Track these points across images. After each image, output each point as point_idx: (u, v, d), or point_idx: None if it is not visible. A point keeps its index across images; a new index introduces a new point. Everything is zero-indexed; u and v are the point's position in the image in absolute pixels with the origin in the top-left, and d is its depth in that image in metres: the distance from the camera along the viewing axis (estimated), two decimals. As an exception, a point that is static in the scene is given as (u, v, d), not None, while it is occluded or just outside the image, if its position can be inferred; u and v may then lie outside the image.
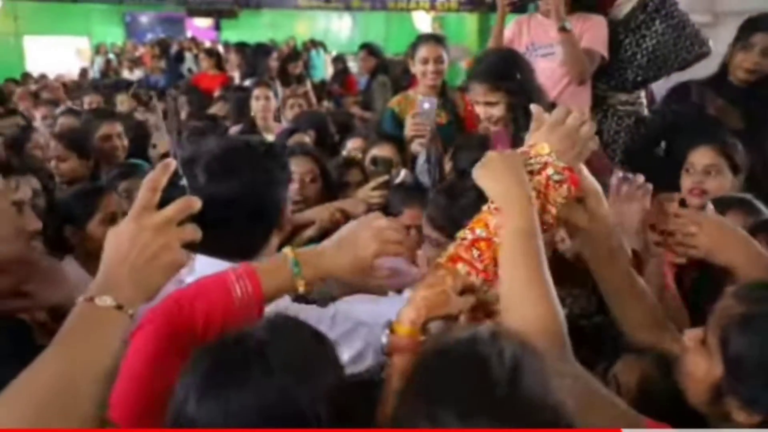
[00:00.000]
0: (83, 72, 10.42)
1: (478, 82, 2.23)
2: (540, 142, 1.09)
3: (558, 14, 2.68)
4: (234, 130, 3.51)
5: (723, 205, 1.58)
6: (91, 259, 1.76)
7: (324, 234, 1.82)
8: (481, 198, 1.08)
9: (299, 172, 2.17)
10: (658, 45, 2.86)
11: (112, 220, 1.89)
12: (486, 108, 2.22)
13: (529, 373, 0.64)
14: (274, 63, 5.25)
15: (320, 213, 2.12)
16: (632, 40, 2.88)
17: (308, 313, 1.11)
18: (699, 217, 1.21)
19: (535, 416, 0.61)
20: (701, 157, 2.08)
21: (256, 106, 3.60)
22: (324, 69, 10.39)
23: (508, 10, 3.05)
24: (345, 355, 1.05)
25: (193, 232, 0.91)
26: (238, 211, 1.17)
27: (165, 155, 2.97)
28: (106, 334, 0.83)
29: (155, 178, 0.91)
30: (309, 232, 2.07)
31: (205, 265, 1.14)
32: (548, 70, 2.83)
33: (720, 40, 2.89)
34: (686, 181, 2.11)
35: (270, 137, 3.22)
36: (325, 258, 1.06)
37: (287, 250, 1.06)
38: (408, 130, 2.63)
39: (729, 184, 2.05)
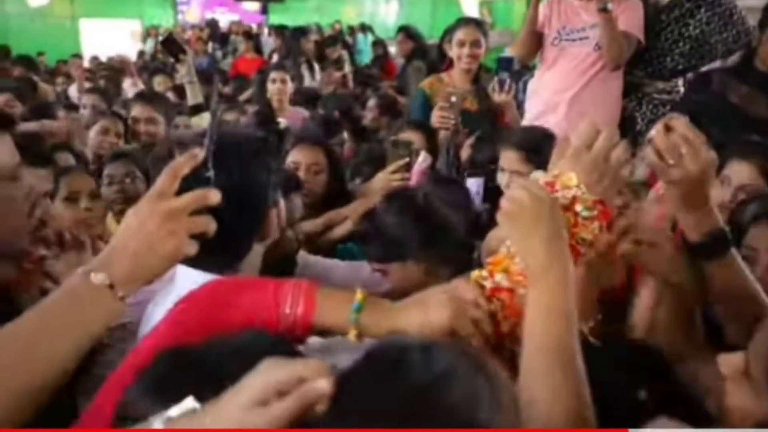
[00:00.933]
0: (140, 55, 10.62)
1: (510, 150, 2.11)
2: (566, 172, 0.93)
3: None
4: (251, 111, 3.53)
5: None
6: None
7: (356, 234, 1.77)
8: None
9: (304, 162, 2.12)
10: (702, 34, 2.75)
11: (74, 200, 1.91)
12: (511, 176, 2.10)
13: (455, 386, 0.59)
14: (309, 45, 5.22)
15: (356, 210, 1.99)
16: (675, 27, 2.78)
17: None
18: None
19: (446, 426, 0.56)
20: (740, 173, 1.95)
21: (272, 89, 3.63)
22: (370, 53, 10.35)
23: None
24: None
25: (206, 224, 0.88)
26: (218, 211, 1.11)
27: (196, 107, 3.00)
28: (88, 311, 0.83)
29: (178, 165, 0.89)
30: (340, 230, 1.98)
31: (183, 276, 1.09)
32: (581, 54, 2.74)
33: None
34: (718, 193, 1.99)
35: (283, 120, 3.24)
36: (391, 313, 0.92)
37: (360, 290, 0.93)
38: (434, 121, 2.63)
39: None
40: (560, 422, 0.77)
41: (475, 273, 0.96)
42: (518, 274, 0.92)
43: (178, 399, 0.65)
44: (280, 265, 1.30)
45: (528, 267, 0.89)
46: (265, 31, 10.31)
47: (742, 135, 2.08)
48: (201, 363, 0.75)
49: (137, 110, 2.97)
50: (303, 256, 1.67)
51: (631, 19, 2.67)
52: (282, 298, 0.91)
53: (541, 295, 0.86)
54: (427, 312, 0.91)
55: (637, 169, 2.92)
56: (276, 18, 13.38)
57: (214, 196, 0.89)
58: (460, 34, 2.83)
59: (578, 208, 0.92)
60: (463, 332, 0.90)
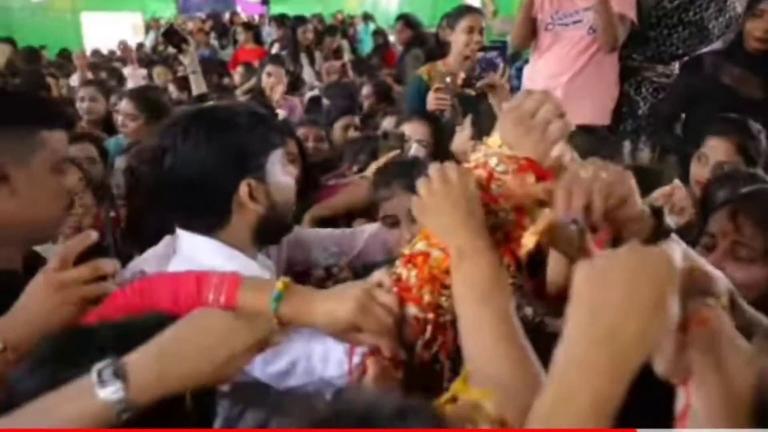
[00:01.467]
0: (139, 47, 10.64)
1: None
2: (494, 136, 0.96)
3: None
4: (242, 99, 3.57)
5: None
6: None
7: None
8: None
9: None
10: (701, 19, 2.77)
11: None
12: None
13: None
14: (308, 34, 5.20)
15: (342, 200, 2.03)
16: (675, 13, 2.79)
17: None
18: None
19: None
20: (717, 150, 1.95)
21: (266, 81, 3.65)
22: (371, 43, 10.31)
23: None
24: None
25: (99, 289, 0.95)
26: (185, 183, 1.16)
27: (201, 97, 3.00)
28: None
29: (71, 248, 0.96)
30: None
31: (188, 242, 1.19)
32: (575, 38, 2.75)
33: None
34: (696, 171, 2.00)
35: (281, 111, 3.27)
36: (308, 302, 0.94)
37: (283, 279, 0.96)
38: (429, 103, 2.62)
39: None
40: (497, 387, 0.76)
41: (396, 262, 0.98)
42: (437, 238, 0.94)
43: (62, 373, 0.69)
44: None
45: (445, 241, 0.91)
46: (266, 21, 10.28)
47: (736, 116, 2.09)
48: (87, 338, 0.77)
49: (121, 105, 2.98)
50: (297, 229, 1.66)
51: (625, 1, 2.67)
52: (205, 288, 0.94)
53: (464, 277, 0.88)
54: (338, 303, 0.93)
55: (642, 152, 2.93)
56: (277, 8, 13.32)
57: (108, 267, 0.96)
58: (468, 21, 2.83)
59: (492, 163, 0.93)
60: (365, 328, 0.92)
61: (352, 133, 3.09)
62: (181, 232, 1.22)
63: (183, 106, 3.31)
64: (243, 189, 1.16)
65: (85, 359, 0.71)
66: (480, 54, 2.55)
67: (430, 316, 0.95)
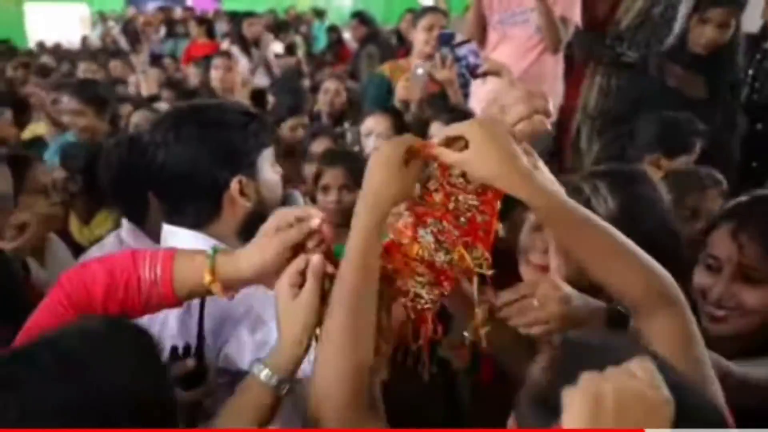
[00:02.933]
0: (84, 40, 10.36)
1: None
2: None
3: None
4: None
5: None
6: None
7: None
8: None
9: None
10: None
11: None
12: None
13: None
14: (254, 29, 5.12)
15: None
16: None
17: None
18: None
19: None
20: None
21: (214, 75, 3.61)
22: (325, 40, 10.29)
23: None
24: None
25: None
26: (178, 178, 1.19)
27: (153, 98, 2.93)
28: None
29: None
30: None
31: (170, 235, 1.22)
32: (522, 37, 2.81)
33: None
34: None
35: None
36: (237, 262, 0.96)
37: (214, 246, 1.01)
38: (398, 94, 2.67)
39: None
40: None
41: None
42: (401, 228, 0.97)
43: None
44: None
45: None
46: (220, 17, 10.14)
47: (682, 115, 2.16)
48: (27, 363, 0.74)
49: (64, 101, 2.83)
50: None
51: (569, 4, 2.74)
52: (140, 262, 0.95)
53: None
54: (259, 255, 0.95)
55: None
56: (231, 4, 13.14)
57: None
58: (428, 20, 2.89)
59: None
60: (292, 241, 0.95)
61: (301, 133, 3.07)
62: (167, 227, 1.24)
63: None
64: (234, 185, 1.20)
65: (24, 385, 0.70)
66: (446, 49, 2.57)
67: (409, 304, 0.98)
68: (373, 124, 2.48)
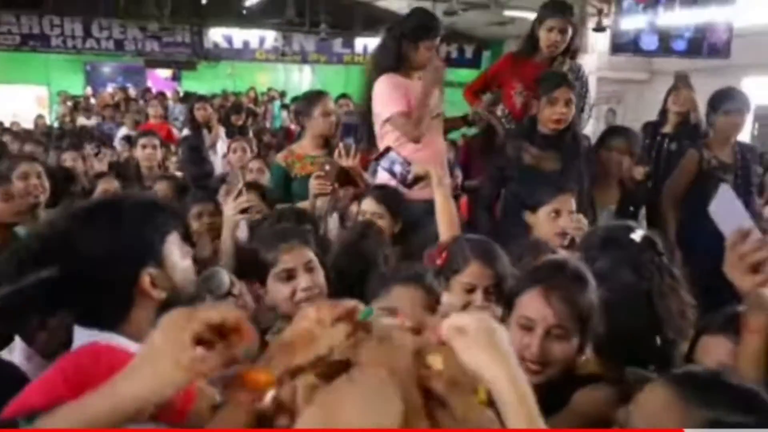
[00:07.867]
0: (38, 118, 10.43)
1: None
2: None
3: None
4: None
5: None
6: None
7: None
8: None
9: None
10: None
11: None
12: None
13: None
14: (203, 112, 5.20)
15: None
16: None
17: None
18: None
19: None
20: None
21: (141, 154, 3.69)
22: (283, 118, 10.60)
23: None
24: None
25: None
26: (86, 279, 1.13)
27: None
28: None
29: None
30: None
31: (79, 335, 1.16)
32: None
33: (655, 92, 3.13)
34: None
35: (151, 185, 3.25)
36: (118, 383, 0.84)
37: None
38: (312, 189, 2.64)
39: None
40: None
41: None
42: None
43: None
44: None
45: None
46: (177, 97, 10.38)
47: (542, 187, 2.40)
48: None
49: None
50: None
51: (381, 103, 2.82)
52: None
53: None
54: (156, 376, 0.84)
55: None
56: (189, 84, 13.44)
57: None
58: (323, 106, 3.01)
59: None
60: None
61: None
62: (80, 330, 1.17)
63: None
64: (145, 279, 1.17)
65: None
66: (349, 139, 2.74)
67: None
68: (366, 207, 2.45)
